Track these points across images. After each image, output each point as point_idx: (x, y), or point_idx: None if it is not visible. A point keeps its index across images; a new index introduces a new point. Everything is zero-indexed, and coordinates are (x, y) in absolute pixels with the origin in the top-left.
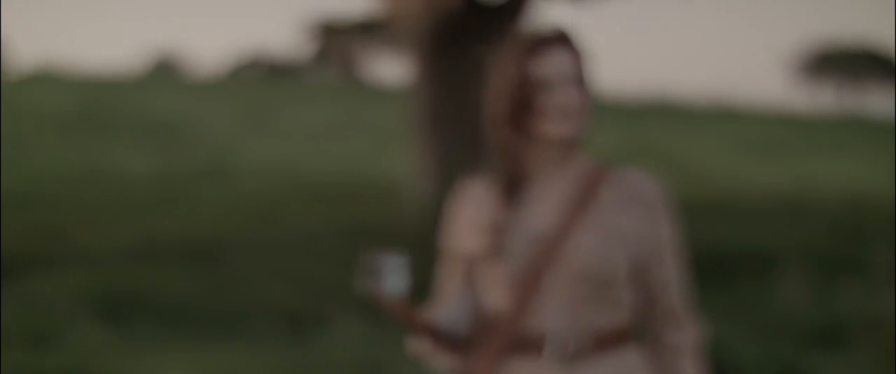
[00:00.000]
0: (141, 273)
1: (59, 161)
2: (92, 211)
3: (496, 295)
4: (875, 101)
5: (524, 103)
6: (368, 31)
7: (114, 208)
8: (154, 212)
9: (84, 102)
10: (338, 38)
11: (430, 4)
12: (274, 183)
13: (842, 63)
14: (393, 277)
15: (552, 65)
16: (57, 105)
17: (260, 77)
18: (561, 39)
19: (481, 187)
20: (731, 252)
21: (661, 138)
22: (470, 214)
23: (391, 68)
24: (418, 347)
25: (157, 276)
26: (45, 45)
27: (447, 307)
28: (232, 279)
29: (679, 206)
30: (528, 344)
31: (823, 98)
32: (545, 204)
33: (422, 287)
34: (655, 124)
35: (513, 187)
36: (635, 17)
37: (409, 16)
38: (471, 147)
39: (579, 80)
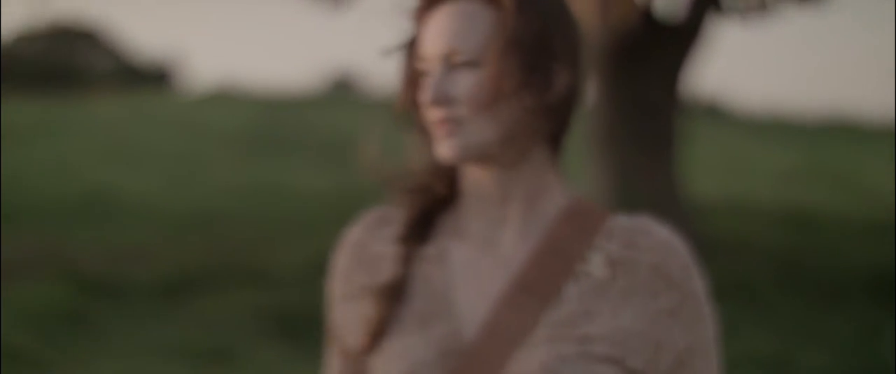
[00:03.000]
0: (319, 291)
1: (238, 179)
2: (270, 229)
3: None
4: None
5: (414, 98)
6: None
7: (292, 225)
8: (332, 230)
9: (263, 121)
10: None
11: (609, 23)
12: None
13: None
14: None
15: (428, 33)
16: (236, 124)
17: None
18: None
19: (379, 229)
20: None
21: (839, 158)
22: (354, 283)
23: None
24: None
25: None
26: (224, 64)
27: None
28: None
29: (856, 227)
30: None
31: None
32: (477, 283)
33: None
34: (833, 143)
35: (423, 238)
36: (814, 34)
37: (588, 35)
38: (648, 169)
39: (477, 56)
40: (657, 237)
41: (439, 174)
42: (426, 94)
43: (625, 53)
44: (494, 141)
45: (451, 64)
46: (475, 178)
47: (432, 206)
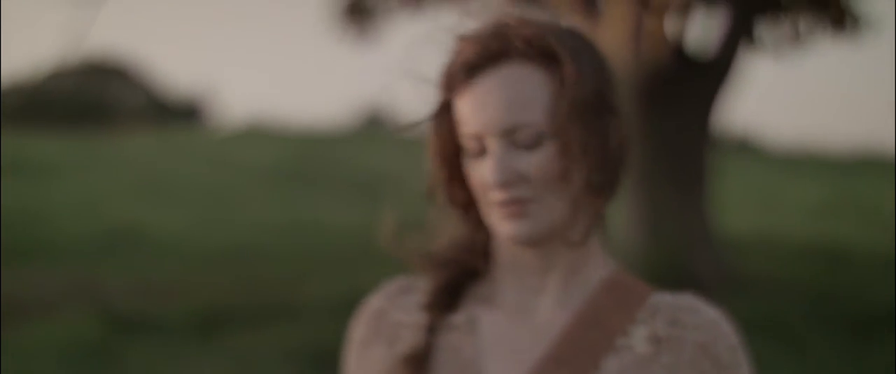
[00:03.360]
0: (349, 327)
1: (269, 215)
2: (301, 265)
3: None
4: None
5: (457, 174)
6: None
7: (323, 261)
8: (364, 266)
9: (294, 157)
10: None
11: (641, 59)
12: None
13: None
14: None
15: (478, 106)
16: (267, 159)
17: None
18: (510, 52)
19: (400, 297)
20: None
21: (870, 192)
22: (371, 355)
23: None
24: None
25: None
26: (256, 100)
27: None
28: None
29: (888, 262)
30: None
31: None
32: (509, 354)
33: None
34: (864, 178)
35: (451, 307)
36: (844, 69)
37: (619, 73)
38: (679, 204)
39: (543, 128)
40: (705, 316)
41: (474, 249)
42: (491, 175)
43: (657, 89)
44: (565, 217)
45: (514, 140)
46: (514, 249)
47: (461, 275)
